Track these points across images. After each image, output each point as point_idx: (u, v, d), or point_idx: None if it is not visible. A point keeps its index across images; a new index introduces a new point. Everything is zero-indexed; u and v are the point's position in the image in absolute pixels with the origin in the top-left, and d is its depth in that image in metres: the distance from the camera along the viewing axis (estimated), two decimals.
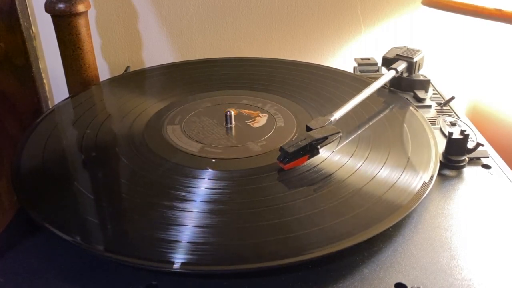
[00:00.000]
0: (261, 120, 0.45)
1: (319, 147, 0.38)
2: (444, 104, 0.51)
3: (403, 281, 0.29)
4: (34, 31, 0.59)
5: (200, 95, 0.51)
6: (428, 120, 0.45)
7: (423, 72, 0.54)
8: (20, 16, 0.55)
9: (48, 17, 0.54)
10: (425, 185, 0.35)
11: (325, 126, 0.40)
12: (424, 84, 0.52)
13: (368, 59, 0.61)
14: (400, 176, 0.36)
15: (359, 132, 0.43)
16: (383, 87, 0.49)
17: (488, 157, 0.41)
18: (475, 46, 0.66)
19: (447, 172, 0.40)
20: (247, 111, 0.47)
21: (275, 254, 0.30)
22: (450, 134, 0.40)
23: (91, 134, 0.43)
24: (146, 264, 0.29)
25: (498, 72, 0.62)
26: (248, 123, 0.45)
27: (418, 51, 0.52)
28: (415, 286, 0.29)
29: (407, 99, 0.50)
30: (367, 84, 0.47)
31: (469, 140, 0.40)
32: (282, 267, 0.30)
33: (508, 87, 0.60)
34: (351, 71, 0.59)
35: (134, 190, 0.36)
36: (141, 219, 0.33)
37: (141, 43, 0.69)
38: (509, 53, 0.59)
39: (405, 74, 0.52)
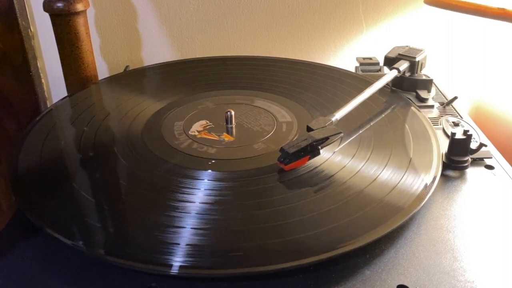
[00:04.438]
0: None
1: (320, 147, 0.38)
2: (446, 104, 0.51)
3: (405, 283, 0.29)
4: (32, 30, 0.58)
5: (200, 95, 0.51)
6: (430, 120, 0.44)
7: (426, 72, 0.54)
8: (18, 15, 0.55)
9: (46, 16, 0.54)
10: (427, 186, 0.35)
11: (326, 126, 0.39)
12: (427, 84, 0.52)
13: (370, 58, 0.61)
14: (402, 177, 0.36)
15: (361, 132, 0.43)
16: (385, 87, 0.49)
17: (491, 157, 0.41)
18: (478, 46, 0.65)
19: (450, 173, 0.40)
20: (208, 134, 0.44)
21: (276, 257, 0.29)
22: (453, 134, 0.39)
23: (90, 134, 0.43)
24: (144, 267, 0.29)
25: (501, 71, 0.62)
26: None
27: (421, 50, 0.52)
28: None
29: (409, 99, 0.50)
30: (368, 83, 0.47)
31: (472, 140, 0.39)
32: (282, 270, 0.29)
33: (511, 87, 0.60)
34: (353, 70, 0.59)
35: (133, 191, 0.36)
36: (140, 221, 0.33)
37: (140, 42, 0.69)
38: None
39: (407, 74, 0.51)
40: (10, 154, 0.41)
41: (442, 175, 0.39)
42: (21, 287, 0.29)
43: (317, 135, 0.38)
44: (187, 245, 0.30)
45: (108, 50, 0.69)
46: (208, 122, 0.45)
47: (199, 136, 0.43)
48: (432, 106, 0.50)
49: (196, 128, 0.44)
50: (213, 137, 0.43)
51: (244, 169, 0.38)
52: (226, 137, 0.43)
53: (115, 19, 0.67)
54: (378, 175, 0.36)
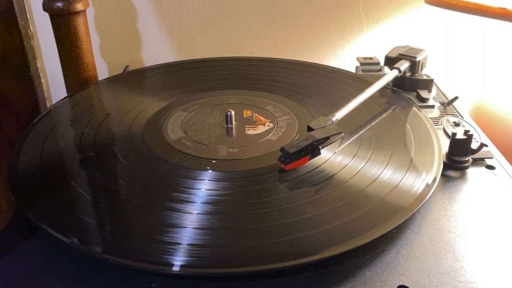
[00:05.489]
0: (260, 129, 0.43)
1: (320, 147, 0.38)
2: (447, 104, 0.51)
3: (406, 284, 0.29)
4: (31, 30, 0.58)
5: (200, 95, 0.51)
6: (431, 120, 0.44)
7: (426, 72, 0.54)
8: (17, 15, 0.55)
9: (46, 16, 0.54)
10: (428, 186, 0.35)
11: (326, 126, 0.39)
12: (427, 84, 0.51)
13: (371, 58, 0.61)
14: (403, 177, 0.36)
15: (361, 132, 0.43)
16: (385, 87, 0.49)
17: (492, 157, 0.41)
18: (479, 45, 0.65)
19: (451, 173, 0.39)
20: (259, 116, 0.45)
21: (276, 256, 0.29)
22: (454, 134, 0.39)
23: (90, 135, 0.43)
24: (145, 266, 0.29)
25: (502, 71, 0.62)
26: (248, 128, 0.44)
27: (421, 50, 0.52)
28: None
29: (410, 99, 0.49)
30: (369, 84, 0.47)
31: (473, 140, 0.39)
32: (283, 270, 0.29)
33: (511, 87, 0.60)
34: (353, 70, 0.59)
35: (133, 191, 0.36)
36: (140, 221, 0.33)
37: (140, 42, 0.69)
38: None
39: (408, 74, 0.51)
40: (10, 154, 0.40)
41: (443, 175, 0.39)
42: (20, 287, 0.29)
43: (317, 135, 0.38)
44: (187, 244, 0.30)
45: (108, 50, 0.69)
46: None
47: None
48: (432, 106, 0.50)
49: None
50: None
51: (244, 169, 0.38)
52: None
53: (115, 19, 0.67)
54: (379, 175, 0.36)
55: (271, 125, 0.43)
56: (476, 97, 0.65)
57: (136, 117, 0.46)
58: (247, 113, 0.45)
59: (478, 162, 0.41)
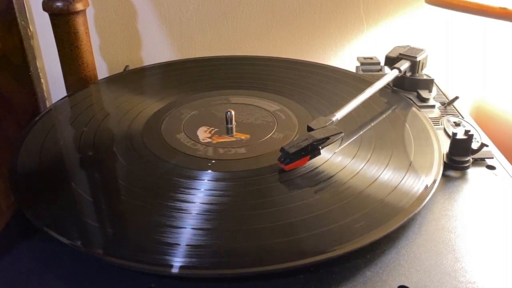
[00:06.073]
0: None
1: (320, 147, 0.38)
2: (448, 104, 0.51)
3: (406, 284, 0.29)
4: (31, 30, 0.58)
5: (200, 95, 0.51)
6: (431, 120, 0.44)
7: (427, 72, 0.53)
8: (17, 15, 0.54)
9: (46, 16, 0.54)
10: (428, 187, 0.35)
11: (326, 126, 0.39)
12: (428, 84, 0.51)
13: (371, 58, 0.61)
14: (403, 178, 0.36)
15: (361, 133, 0.43)
16: (386, 86, 0.48)
17: (492, 157, 0.41)
18: (480, 45, 0.65)
19: (451, 173, 0.39)
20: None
21: (276, 257, 0.29)
22: (454, 134, 0.39)
23: (89, 134, 0.43)
24: (144, 267, 0.29)
25: (503, 71, 0.61)
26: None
27: (422, 50, 0.52)
28: None
29: (410, 99, 0.49)
30: (369, 83, 0.46)
31: (473, 140, 0.39)
32: (283, 271, 0.29)
33: None
34: (353, 70, 0.59)
35: (133, 191, 0.36)
36: (139, 221, 0.33)
37: (140, 42, 0.69)
38: None
39: (408, 74, 0.51)
40: (10, 154, 0.40)
41: (443, 175, 0.38)
42: (20, 287, 0.29)
43: (317, 135, 0.38)
44: (187, 245, 0.30)
45: (108, 50, 0.69)
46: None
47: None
48: (433, 106, 0.50)
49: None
50: (209, 136, 0.43)
51: (244, 169, 0.38)
52: (216, 139, 0.42)
53: (115, 19, 0.67)
54: (379, 176, 0.36)
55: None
56: (476, 97, 0.65)
57: (136, 117, 0.46)
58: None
59: (478, 162, 0.40)
